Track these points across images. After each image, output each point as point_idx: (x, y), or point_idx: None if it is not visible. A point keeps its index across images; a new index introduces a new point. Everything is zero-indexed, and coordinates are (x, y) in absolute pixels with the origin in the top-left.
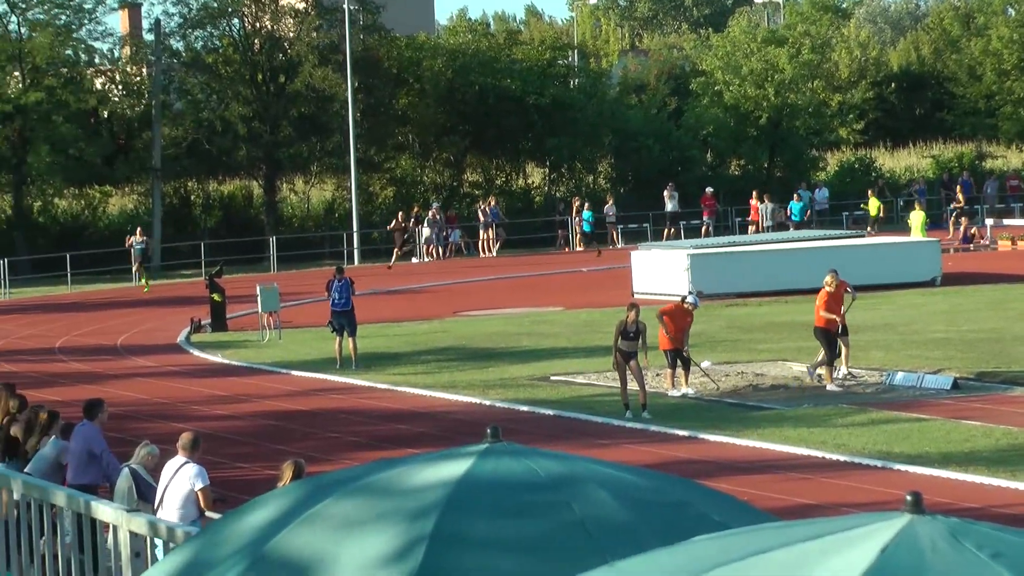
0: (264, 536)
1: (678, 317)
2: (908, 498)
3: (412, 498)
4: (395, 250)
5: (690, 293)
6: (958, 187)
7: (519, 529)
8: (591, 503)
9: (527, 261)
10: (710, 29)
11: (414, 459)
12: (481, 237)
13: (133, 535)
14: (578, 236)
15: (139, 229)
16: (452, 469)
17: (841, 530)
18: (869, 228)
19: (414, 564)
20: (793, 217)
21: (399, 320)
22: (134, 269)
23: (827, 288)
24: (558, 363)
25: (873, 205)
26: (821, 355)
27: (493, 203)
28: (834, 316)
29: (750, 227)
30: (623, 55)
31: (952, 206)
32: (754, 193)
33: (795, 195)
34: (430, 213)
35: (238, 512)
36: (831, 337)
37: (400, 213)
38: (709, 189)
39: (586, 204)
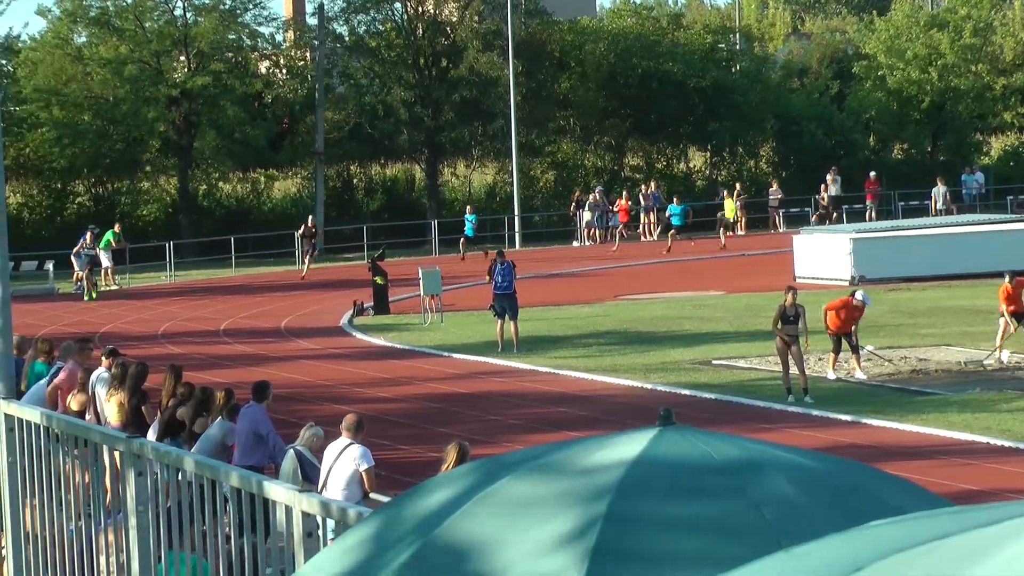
0: (437, 517)
1: (846, 313)
2: None
3: (586, 479)
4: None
5: (859, 289)
6: None
7: (694, 512)
8: (766, 486)
9: (688, 245)
10: (873, 12)
11: (586, 440)
12: (642, 221)
13: (305, 515)
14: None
15: (89, 234)
16: (626, 450)
17: (1021, 515)
18: None
19: (588, 545)
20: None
21: (560, 304)
22: (81, 275)
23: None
24: (719, 347)
25: None
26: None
27: (654, 187)
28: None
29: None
30: (786, 39)
31: None
32: (871, 175)
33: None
34: (591, 197)
35: (411, 493)
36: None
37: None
38: (872, 173)
39: (675, 199)
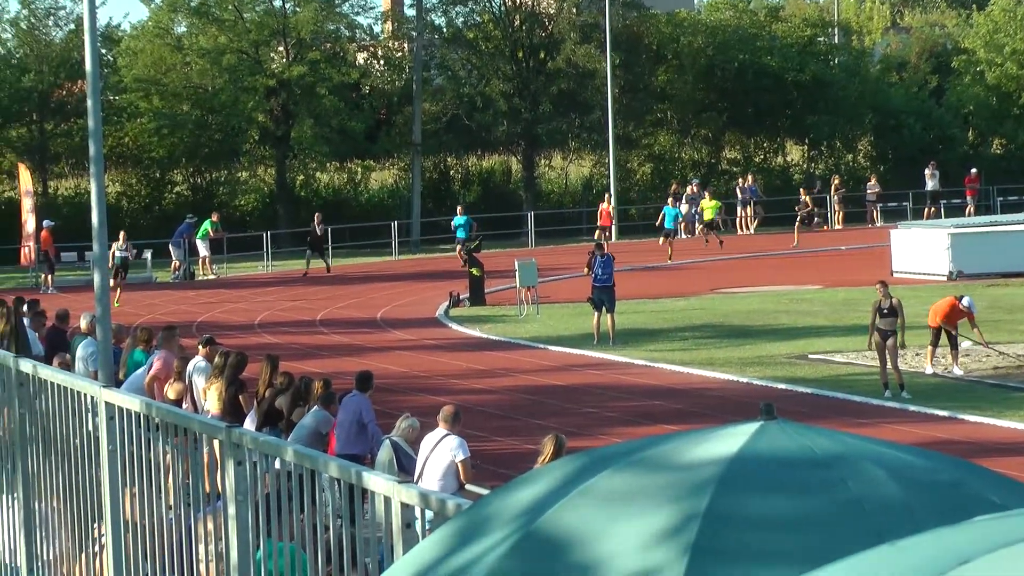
0: (537, 509)
1: (950, 316)
2: None
3: (686, 473)
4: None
5: (967, 296)
6: None
7: (795, 507)
8: (867, 482)
9: (785, 239)
10: (972, 7)
11: (686, 434)
12: (739, 214)
13: (404, 506)
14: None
15: (122, 233)
16: (727, 445)
17: None
18: None
19: (688, 540)
20: None
21: (656, 296)
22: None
23: None
24: (816, 341)
25: None
26: None
27: (751, 180)
28: None
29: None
30: (885, 33)
31: None
32: (972, 172)
33: None
34: (688, 189)
35: (511, 485)
36: None
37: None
38: (973, 170)
39: (670, 200)
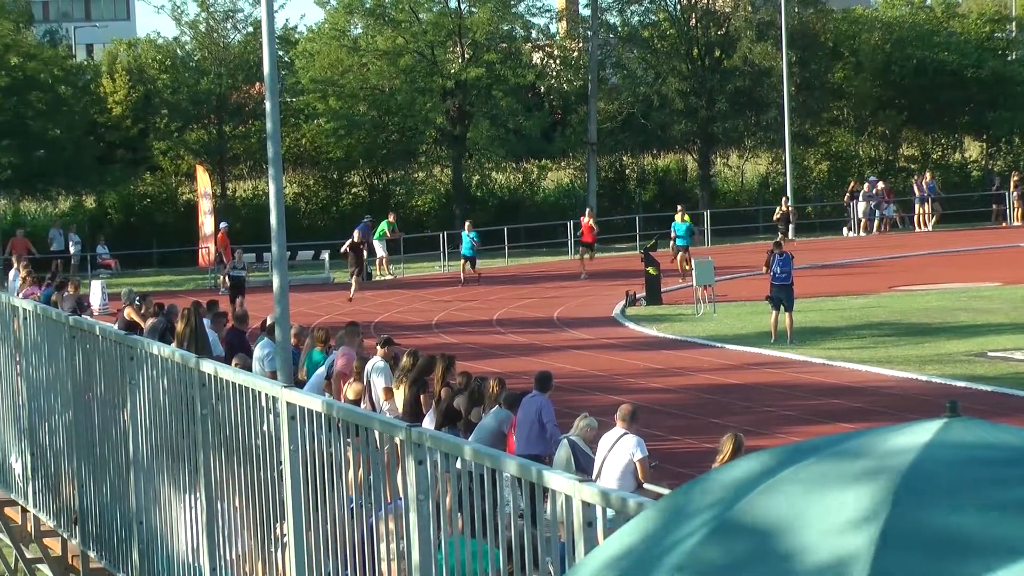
0: (722, 505)
1: None
2: None
3: (874, 466)
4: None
5: None
6: None
7: (985, 501)
8: None
9: (964, 236)
10: None
11: (870, 432)
12: (917, 211)
13: (585, 504)
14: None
15: (238, 252)
16: (913, 439)
17: None
18: None
19: (878, 527)
20: None
21: (834, 295)
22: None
23: None
24: (995, 339)
25: None
26: None
27: (929, 178)
28: None
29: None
30: None
31: None
32: None
33: None
34: (865, 187)
35: (693, 483)
36: None
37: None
38: None
39: (678, 214)
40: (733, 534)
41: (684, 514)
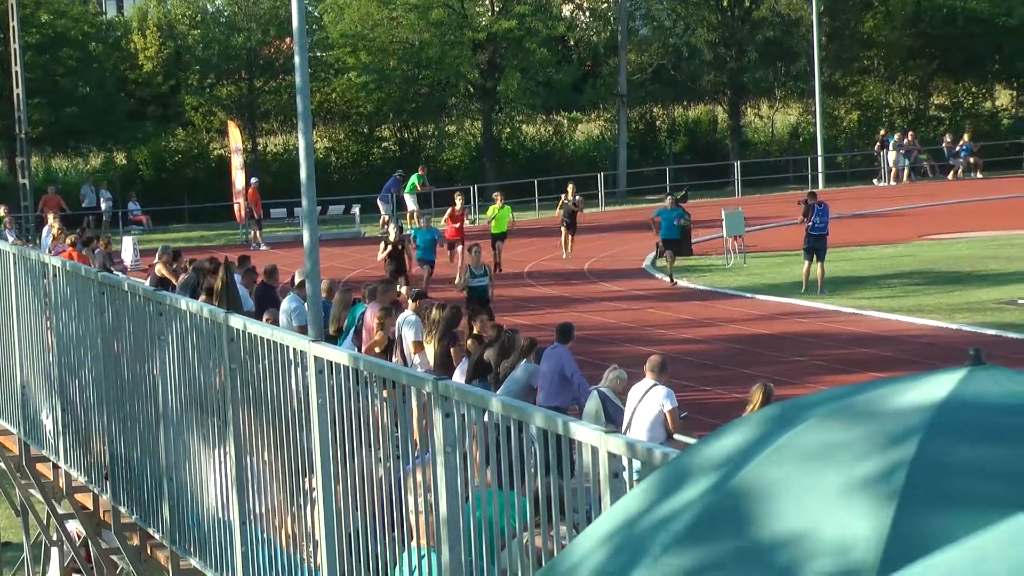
0: (743, 457)
1: None
2: None
3: (892, 420)
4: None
5: None
6: None
7: (1008, 453)
8: None
9: (994, 184)
10: None
11: (891, 381)
12: (953, 165)
13: (611, 456)
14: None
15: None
16: (934, 391)
17: None
18: None
19: (896, 486)
20: None
21: (864, 244)
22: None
23: None
24: None
25: None
26: None
27: (966, 139)
28: None
29: None
30: None
31: None
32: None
33: None
34: (896, 136)
35: (716, 434)
36: None
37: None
38: None
39: (668, 200)
40: (747, 491)
41: (692, 476)
